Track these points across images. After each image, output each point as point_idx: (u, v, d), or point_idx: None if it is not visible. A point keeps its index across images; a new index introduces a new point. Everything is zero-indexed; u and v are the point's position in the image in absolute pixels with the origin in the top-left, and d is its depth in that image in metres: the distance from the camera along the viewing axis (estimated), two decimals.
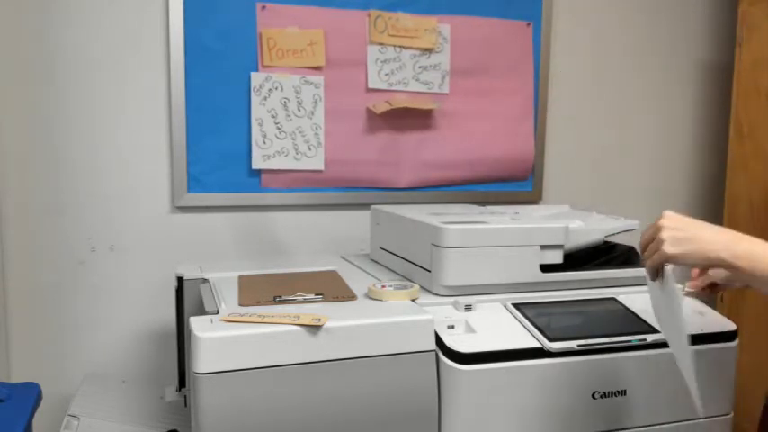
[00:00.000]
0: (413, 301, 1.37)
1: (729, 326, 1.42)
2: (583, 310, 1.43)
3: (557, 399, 1.29)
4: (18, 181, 1.87)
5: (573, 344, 1.29)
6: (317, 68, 2.04)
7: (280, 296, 1.37)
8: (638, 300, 1.43)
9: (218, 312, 1.29)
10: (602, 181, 2.44)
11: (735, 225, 1.70)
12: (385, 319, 1.25)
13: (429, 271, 1.44)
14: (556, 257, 1.46)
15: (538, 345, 1.28)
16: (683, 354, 1.04)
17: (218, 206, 2.01)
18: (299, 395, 1.19)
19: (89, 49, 1.88)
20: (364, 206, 1.98)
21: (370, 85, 2.08)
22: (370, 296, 1.39)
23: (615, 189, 2.46)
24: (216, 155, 1.98)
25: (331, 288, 1.46)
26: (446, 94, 2.16)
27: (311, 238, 2.10)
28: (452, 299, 1.39)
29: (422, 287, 1.44)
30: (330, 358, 1.20)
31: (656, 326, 1.34)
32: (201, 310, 1.38)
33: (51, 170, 1.89)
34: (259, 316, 1.23)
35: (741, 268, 0.95)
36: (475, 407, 1.25)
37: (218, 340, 1.16)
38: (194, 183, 1.98)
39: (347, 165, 2.09)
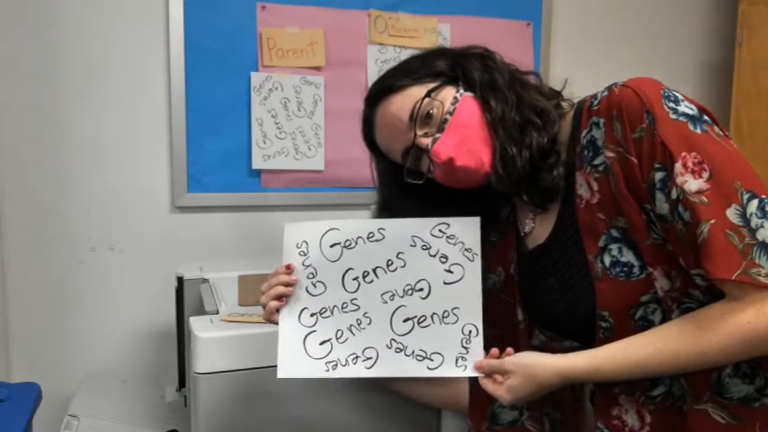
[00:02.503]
0: None
1: None
2: None
3: None
4: (18, 181, 1.87)
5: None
6: (317, 68, 2.03)
7: None
8: None
9: (218, 312, 1.29)
10: None
11: None
12: None
13: None
14: None
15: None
16: None
17: (218, 206, 2.01)
18: (298, 395, 1.19)
19: (89, 49, 1.88)
20: (364, 206, 1.97)
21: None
22: None
23: None
24: (216, 155, 1.98)
25: None
26: None
27: None
28: None
29: None
30: None
31: None
32: (201, 310, 1.38)
33: (51, 170, 1.89)
34: (259, 316, 1.23)
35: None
36: None
37: (218, 340, 1.16)
38: (194, 183, 1.98)
39: (347, 165, 2.09)
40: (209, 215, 2.01)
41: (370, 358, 1.00)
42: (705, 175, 0.83)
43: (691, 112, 0.88)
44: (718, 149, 0.85)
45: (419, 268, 1.01)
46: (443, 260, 1.01)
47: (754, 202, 0.82)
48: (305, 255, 1.05)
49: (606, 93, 0.92)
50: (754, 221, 0.81)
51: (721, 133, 0.88)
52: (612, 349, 0.90)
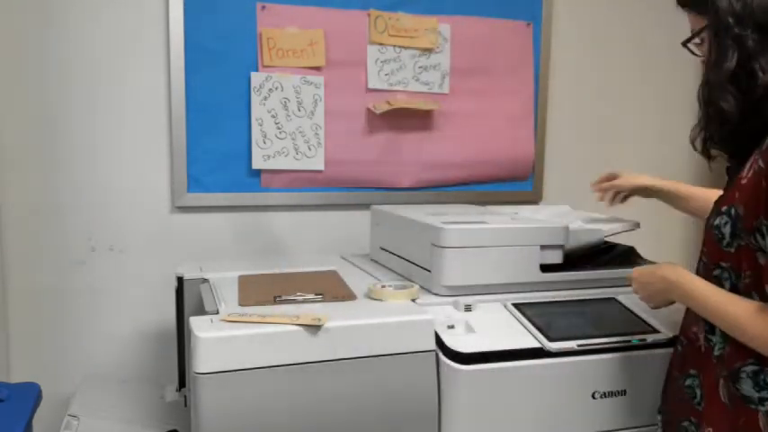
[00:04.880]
0: (413, 301, 1.37)
1: None
2: (583, 310, 1.43)
3: (556, 398, 1.29)
4: (18, 181, 1.87)
5: (573, 344, 1.29)
6: (317, 68, 2.03)
7: (280, 296, 1.37)
8: (638, 300, 1.43)
9: (218, 312, 1.29)
10: None
11: None
12: (385, 319, 1.26)
13: (429, 271, 1.44)
14: (556, 257, 1.46)
15: (538, 345, 1.28)
16: None
17: (218, 206, 2.01)
18: (299, 395, 1.19)
19: (89, 49, 1.88)
20: (364, 206, 1.97)
21: (370, 85, 2.08)
22: (370, 296, 1.39)
23: None
24: (216, 155, 1.98)
25: (331, 288, 1.46)
26: (446, 94, 2.16)
27: (311, 238, 2.10)
28: (452, 299, 1.39)
29: (422, 287, 1.44)
30: (330, 358, 1.20)
31: (657, 326, 1.34)
32: (201, 310, 1.38)
33: (51, 170, 1.89)
34: (259, 316, 1.24)
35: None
36: (475, 407, 1.25)
37: (218, 340, 1.16)
38: (194, 183, 1.98)
39: (347, 165, 2.09)
40: (209, 215, 2.02)
41: None
42: None
43: None
44: None
45: None
46: None
47: None
48: None
49: None
50: None
51: None
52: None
